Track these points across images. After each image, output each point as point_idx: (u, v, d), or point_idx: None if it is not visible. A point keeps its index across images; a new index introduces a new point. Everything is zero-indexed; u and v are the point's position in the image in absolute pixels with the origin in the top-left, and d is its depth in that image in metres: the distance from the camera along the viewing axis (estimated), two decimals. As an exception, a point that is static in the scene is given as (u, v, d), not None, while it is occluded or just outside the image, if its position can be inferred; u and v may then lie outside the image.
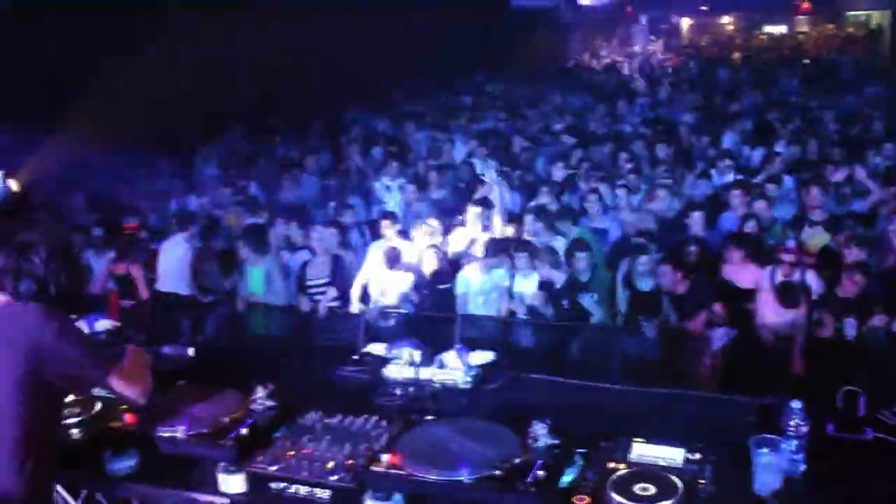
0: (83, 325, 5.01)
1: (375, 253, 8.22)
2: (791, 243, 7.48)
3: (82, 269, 8.35)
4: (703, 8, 37.60)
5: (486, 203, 8.82)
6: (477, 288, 7.78)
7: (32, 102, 10.97)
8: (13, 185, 6.56)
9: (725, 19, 39.37)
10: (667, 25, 36.50)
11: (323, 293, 7.94)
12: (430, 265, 8.03)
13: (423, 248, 8.20)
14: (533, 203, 9.44)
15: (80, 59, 11.65)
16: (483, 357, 4.33)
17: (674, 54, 29.78)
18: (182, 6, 13.28)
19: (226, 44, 14.08)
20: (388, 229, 8.54)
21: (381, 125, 16.22)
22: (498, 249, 7.81)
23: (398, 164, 11.53)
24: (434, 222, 8.69)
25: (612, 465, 3.28)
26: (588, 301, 7.57)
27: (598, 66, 27.22)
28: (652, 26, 35.05)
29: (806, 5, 37.28)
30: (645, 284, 7.49)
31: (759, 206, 8.76)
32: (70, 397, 3.93)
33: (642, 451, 3.38)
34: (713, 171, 10.87)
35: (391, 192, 10.85)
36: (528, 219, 8.49)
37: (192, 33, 13.12)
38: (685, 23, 38.76)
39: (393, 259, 7.89)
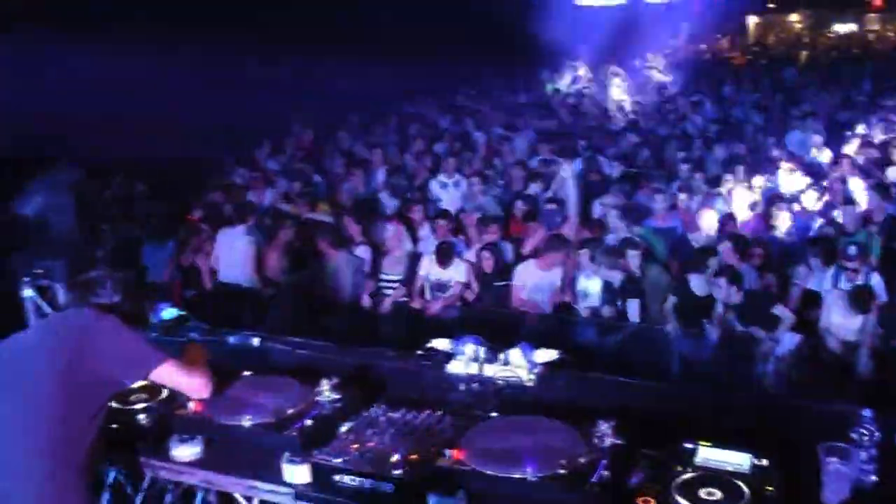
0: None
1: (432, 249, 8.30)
2: (853, 250, 7.34)
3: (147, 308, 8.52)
4: (771, 5, 36.93)
5: (559, 200, 8.79)
6: (533, 284, 7.81)
7: (101, 93, 11.18)
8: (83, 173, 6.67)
9: (793, 17, 38.64)
10: (733, 23, 35.92)
11: (393, 289, 8.02)
12: (486, 263, 8.06)
13: (480, 245, 8.24)
14: (609, 200, 9.39)
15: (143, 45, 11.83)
16: (547, 355, 4.31)
17: (740, 52, 29.33)
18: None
19: (290, 37, 14.20)
20: (443, 227, 8.61)
21: (442, 122, 16.24)
22: (556, 246, 7.81)
23: (454, 160, 11.54)
24: (492, 219, 8.70)
25: (677, 467, 3.23)
26: (632, 308, 7.51)
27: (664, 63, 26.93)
28: (718, 24, 34.54)
29: (878, 2, 36.36)
30: (700, 289, 7.40)
31: (849, 210, 8.56)
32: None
33: (708, 454, 3.32)
34: (777, 173, 10.72)
35: (447, 190, 10.86)
36: (613, 215, 8.43)
37: (259, 25, 13.29)
38: (752, 20, 38.12)
39: (445, 255, 7.95)
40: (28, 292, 5.29)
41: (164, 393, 4.03)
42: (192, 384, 3.60)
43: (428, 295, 8.01)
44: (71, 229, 5.52)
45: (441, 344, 4.49)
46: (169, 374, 3.51)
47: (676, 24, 31.89)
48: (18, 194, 5.24)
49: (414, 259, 8.35)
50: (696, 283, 7.42)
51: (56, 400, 3.22)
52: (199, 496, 4.36)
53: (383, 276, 8.20)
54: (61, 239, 5.15)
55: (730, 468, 3.23)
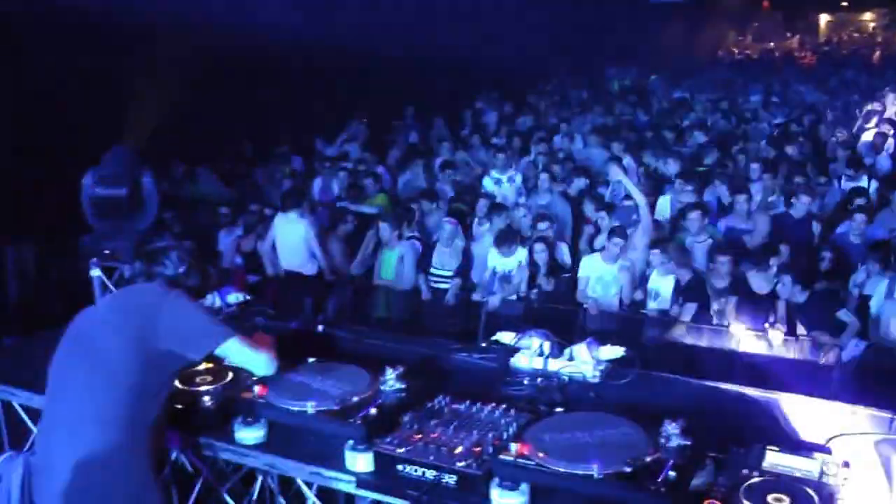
0: (216, 298, 5.19)
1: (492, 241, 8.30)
2: None
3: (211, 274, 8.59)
4: (844, 3, 36.11)
5: (630, 198, 8.73)
6: (597, 277, 7.76)
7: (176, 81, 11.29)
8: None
9: (867, 15, 37.76)
10: (804, 21, 35.24)
11: (444, 282, 8.04)
12: (539, 257, 8.05)
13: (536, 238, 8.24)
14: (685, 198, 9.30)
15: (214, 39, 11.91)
16: (613, 352, 4.27)
17: (810, 51, 28.80)
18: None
19: (357, 31, 14.23)
20: (498, 221, 8.62)
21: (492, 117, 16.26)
22: (617, 238, 7.78)
23: (504, 156, 11.50)
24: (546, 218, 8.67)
25: (745, 471, 3.17)
26: (689, 311, 7.40)
27: (731, 61, 26.66)
28: (788, 21, 33.94)
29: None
30: (761, 287, 7.27)
31: None
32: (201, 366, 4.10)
33: (777, 460, 3.25)
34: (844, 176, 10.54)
35: (500, 186, 10.81)
36: (694, 215, 8.32)
37: (328, 20, 13.35)
38: (823, 19, 37.37)
39: (505, 239, 7.95)
40: (95, 272, 5.39)
41: (229, 375, 4.07)
42: (258, 360, 3.63)
43: (494, 287, 8.00)
44: (138, 213, 5.59)
45: (506, 337, 4.48)
46: (235, 350, 3.55)
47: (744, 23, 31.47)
48: (87, 177, 5.33)
49: (469, 255, 8.33)
50: (757, 282, 7.29)
51: (126, 370, 3.29)
52: (259, 479, 4.39)
53: (434, 271, 8.20)
54: (129, 222, 5.24)
55: (798, 474, 3.16)
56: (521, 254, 8.04)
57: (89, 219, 5.27)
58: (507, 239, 8.03)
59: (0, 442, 4.73)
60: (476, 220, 9.28)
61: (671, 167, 10.87)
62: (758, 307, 7.26)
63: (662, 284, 7.61)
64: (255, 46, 12.09)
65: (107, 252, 5.33)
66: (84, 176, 5.30)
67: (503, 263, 8.00)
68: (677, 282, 7.50)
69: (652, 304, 7.67)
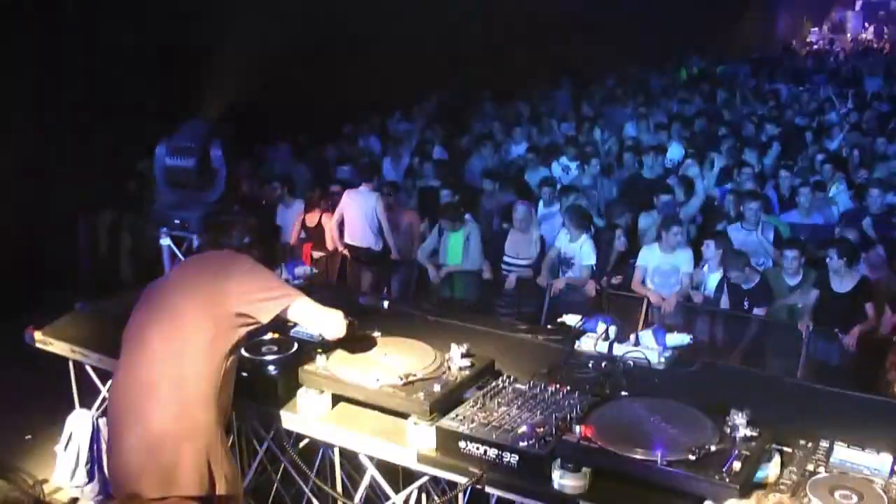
0: (283, 271, 5.25)
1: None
2: None
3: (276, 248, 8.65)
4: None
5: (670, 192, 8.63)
6: (655, 267, 7.68)
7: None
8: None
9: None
10: (884, 11, 34.34)
11: (518, 271, 8.02)
12: (623, 240, 8.01)
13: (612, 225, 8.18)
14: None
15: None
16: (679, 339, 4.23)
17: (889, 42, 28.08)
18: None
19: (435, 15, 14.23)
20: (566, 203, 8.59)
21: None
22: (668, 229, 7.69)
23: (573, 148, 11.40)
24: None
25: (811, 466, 3.12)
26: (758, 314, 7.27)
27: (807, 52, 26.12)
28: (867, 12, 33.11)
29: None
30: (840, 286, 7.08)
31: None
32: (268, 335, 4.14)
33: (845, 455, 3.19)
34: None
35: (569, 174, 10.73)
36: (752, 208, 8.17)
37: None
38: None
39: (575, 216, 7.92)
40: (165, 241, 5.48)
41: (294, 346, 4.11)
42: (328, 321, 3.64)
43: (557, 271, 7.96)
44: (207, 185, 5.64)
45: (572, 320, 4.46)
46: (304, 311, 3.57)
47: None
48: (161, 147, 5.40)
49: (545, 243, 8.28)
50: (837, 281, 7.08)
51: (200, 334, 3.36)
52: (321, 451, 4.44)
53: (508, 259, 8.15)
54: (197, 193, 5.30)
55: (867, 471, 3.10)
56: (587, 247, 7.97)
57: (160, 188, 5.35)
58: (576, 217, 7.98)
59: (71, 400, 4.87)
60: (541, 203, 9.22)
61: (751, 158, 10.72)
62: (841, 307, 7.06)
63: (710, 278, 7.54)
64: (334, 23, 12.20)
65: (177, 222, 5.39)
66: (158, 146, 5.35)
67: (568, 247, 7.95)
68: (729, 281, 7.37)
69: (698, 295, 7.59)
